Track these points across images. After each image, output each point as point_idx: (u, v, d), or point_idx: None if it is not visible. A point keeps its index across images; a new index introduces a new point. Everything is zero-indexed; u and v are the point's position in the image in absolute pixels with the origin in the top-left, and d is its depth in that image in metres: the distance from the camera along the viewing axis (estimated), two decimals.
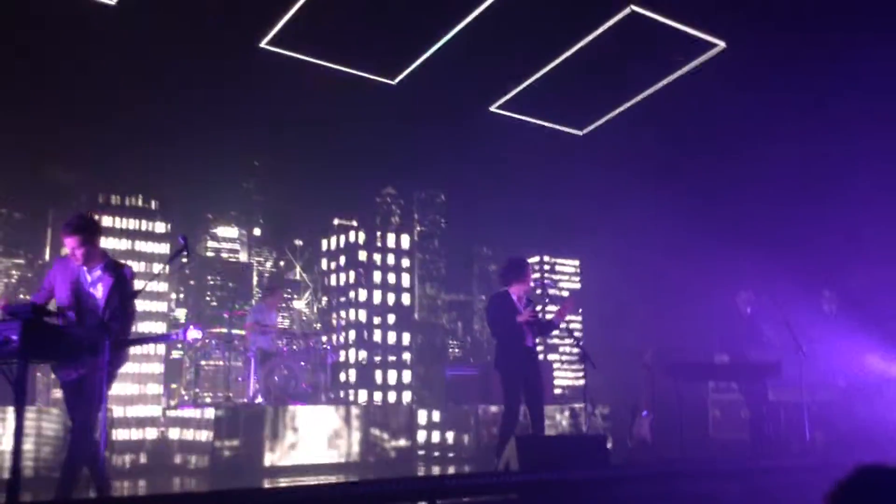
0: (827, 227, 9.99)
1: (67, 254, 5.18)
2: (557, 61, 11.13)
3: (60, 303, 5.09)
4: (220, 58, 10.18)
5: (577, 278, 14.45)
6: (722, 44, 10.85)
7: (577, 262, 13.90)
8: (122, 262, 5.49)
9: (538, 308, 7.51)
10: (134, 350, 8.97)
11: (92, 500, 4.79)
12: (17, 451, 4.05)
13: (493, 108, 12.13)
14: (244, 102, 11.59)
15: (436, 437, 10.27)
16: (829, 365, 8.65)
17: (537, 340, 7.66)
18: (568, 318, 7.49)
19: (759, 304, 8.52)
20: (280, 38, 9.99)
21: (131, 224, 9.27)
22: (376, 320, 10.23)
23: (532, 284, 7.54)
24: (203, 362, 9.43)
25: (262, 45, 10.14)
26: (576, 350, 7.87)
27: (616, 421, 10.89)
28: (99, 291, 5.11)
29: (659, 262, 11.57)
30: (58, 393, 7.20)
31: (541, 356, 9.25)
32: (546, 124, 12.76)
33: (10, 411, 6.23)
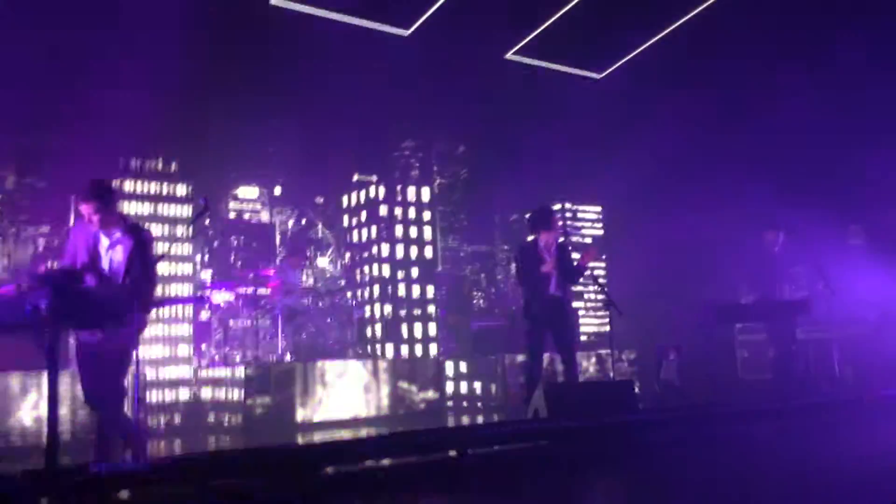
0: (852, 161, 9.80)
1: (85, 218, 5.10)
2: (572, 3, 10.88)
3: (80, 267, 5.03)
4: (232, 15, 10.06)
5: (600, 224, 14.33)
6: None
7: (598, 209, 13.80)
8: (141, 225, 5.45)
9: (574, 255, 7.48)
10: (162, 312, 9.06)
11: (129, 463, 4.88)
12: (52, 418, 4.12)
13: (508, 56, 11.93)
14: (258, 61, 11.47)
15: (464, 387, 10.36)
16: (859, 300, 8.57)
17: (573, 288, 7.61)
18: (592, 264, 7.47)
19: (785, 243, 8.43)
20: None
21: (152, 188, 9.29)
22: (400, 274, 10.27)
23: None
24: (231, 322, 9.54)
25: (273, 1, 10.01)
26: (601, 297, 7.86)
27: (643, 365, 10.91)
28: (118, 255, 5.05)
29: (682, 204, 11.44)
30: None
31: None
32: (563, 69, 12.54)
33: (45, 377, 6.34)
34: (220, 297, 9.62)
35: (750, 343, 10.18)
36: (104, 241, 5.08)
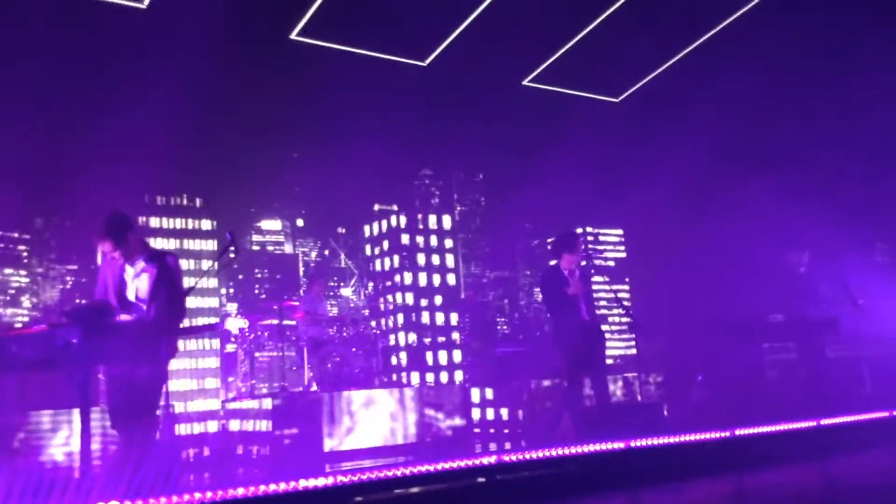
0: (878, 179, 9.73)
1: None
2: (589, 28, 10.95)
3: (108, 299, 5.14)
4: (253, 53, 10.24)
5: (622, 247, 14.29)
6: None
7: (620, 232, 13.76)
8: (165, 250, 5.49)
9: (597, 279, 7.46)
10: (190, 346, 9.14)
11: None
12: (85, 453, 4.16)
13: (525, 82, 12.00)
14: (279, 96, 11.66)
15: (490, 414, 10.32)
16: (888, 317, 8.47)
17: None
18: (615, 287, 7.46)
19: (811, 263, 8.37)
20: (309, 28, 10.01)
21: (178, 223, 9.43)
22: (423, 302, 10.27)
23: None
24: (257, 354, 9.61)
25: (293, 36, 10.17)
26: (626, 319, 7.86)
27: (670, 388, 10.80)
28: (143, 282, 5.11)
29: (705, 224, 11.39)
30: None
31: None
32: (581, 94, 12.58)
33: (76, 413, 6.40)
34: (234, 324, 9.68)
35: (779, 362, 10.05)
36: (129, 271, 5.16)
